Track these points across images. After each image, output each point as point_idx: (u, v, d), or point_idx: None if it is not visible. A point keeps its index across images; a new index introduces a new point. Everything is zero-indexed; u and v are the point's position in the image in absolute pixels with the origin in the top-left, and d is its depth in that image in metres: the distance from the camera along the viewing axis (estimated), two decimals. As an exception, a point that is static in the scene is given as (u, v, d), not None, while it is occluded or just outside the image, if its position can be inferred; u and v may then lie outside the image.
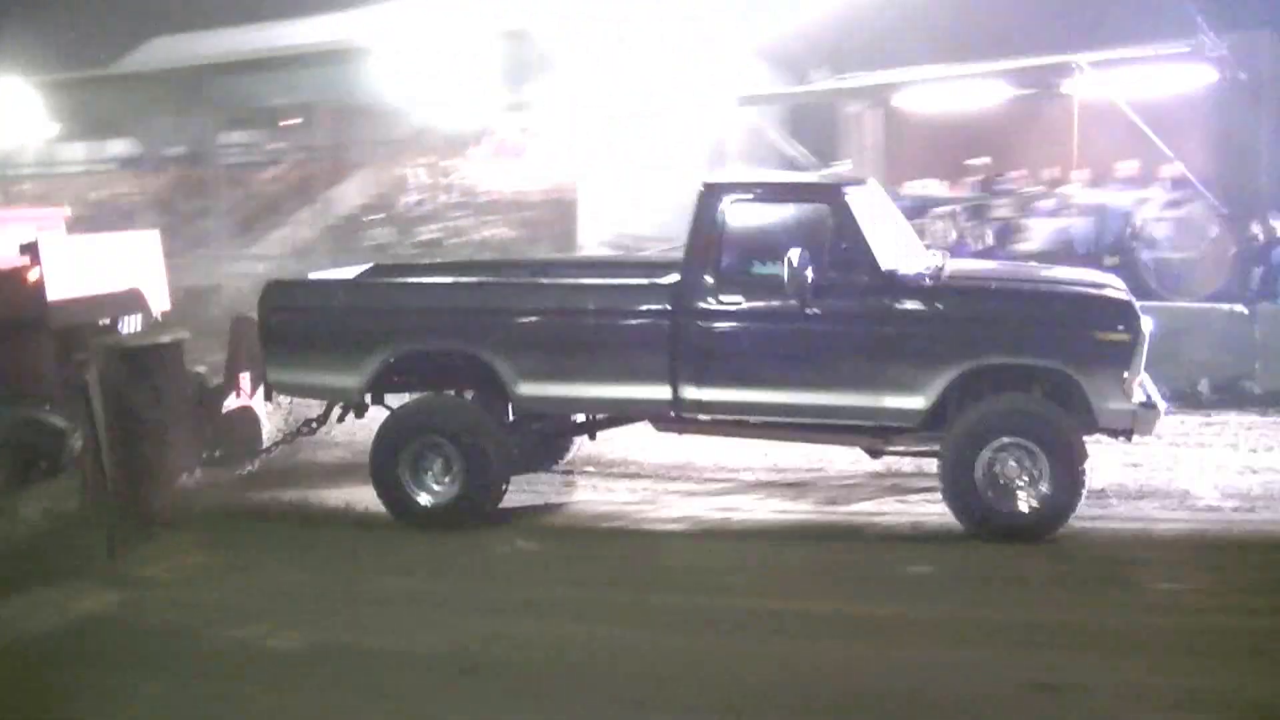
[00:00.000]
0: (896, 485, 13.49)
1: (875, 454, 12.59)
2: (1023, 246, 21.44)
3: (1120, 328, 11.44)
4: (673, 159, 27.78)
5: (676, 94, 28.37)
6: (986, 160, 25.50)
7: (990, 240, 22.37)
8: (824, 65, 29.96)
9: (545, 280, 13.30)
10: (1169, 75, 24.00)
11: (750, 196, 12.12)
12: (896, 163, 28.30)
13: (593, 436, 13.30)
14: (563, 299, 12.33)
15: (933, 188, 25.41)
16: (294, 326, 12.77)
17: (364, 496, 12.93)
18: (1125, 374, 11.35)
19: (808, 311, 11.59)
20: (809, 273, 11.43)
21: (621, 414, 12.72)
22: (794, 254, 11.40)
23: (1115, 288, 12.27)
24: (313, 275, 13.88)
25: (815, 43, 29.07)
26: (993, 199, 23.92)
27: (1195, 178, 22.70)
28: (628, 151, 27.87)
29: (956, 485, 11.54)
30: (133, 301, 15.15)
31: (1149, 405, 11.59)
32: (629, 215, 26.83)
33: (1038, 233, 21.72)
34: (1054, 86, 25.48)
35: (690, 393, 11.97)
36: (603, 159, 28.06)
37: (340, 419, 13.31)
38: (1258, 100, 23.40)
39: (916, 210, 24.90)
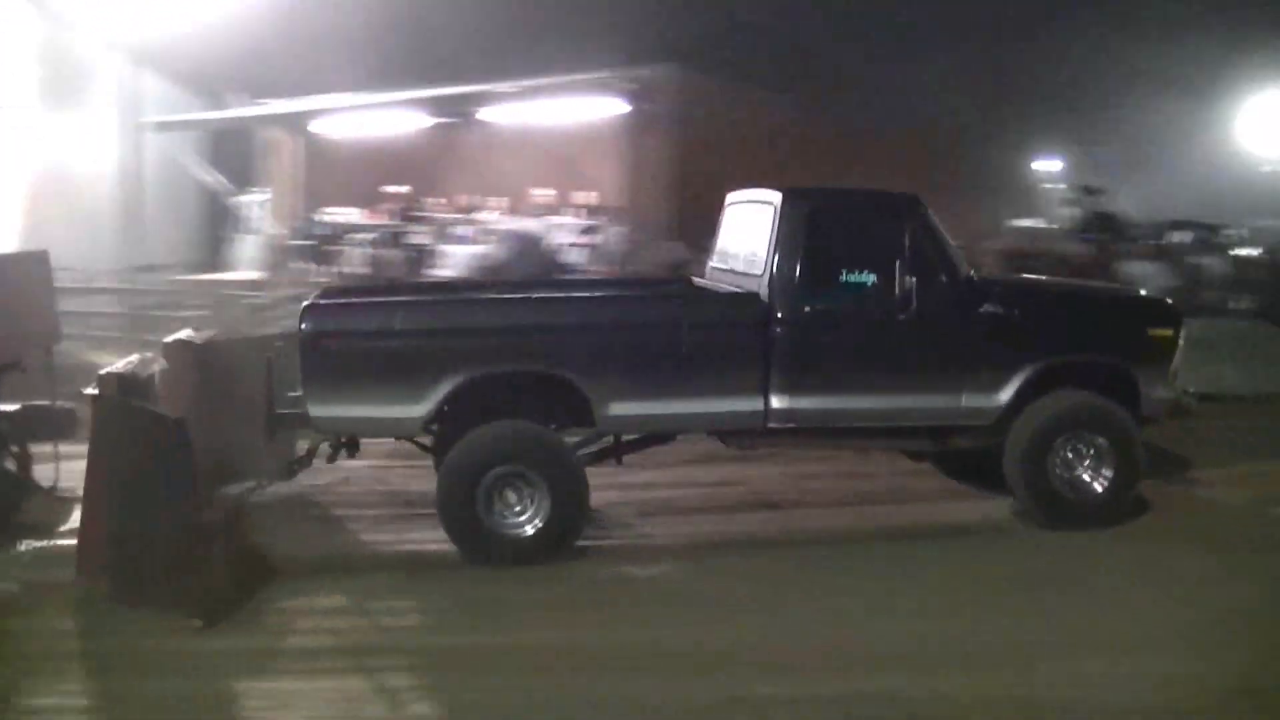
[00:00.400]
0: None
1: (919, 458, 12.94)
2: (441, 272, 21.40)
3: (1168, 326, 12.52)
4: (78, 185, 26.72)
5: (76, 117, 27.32)
6: (405, 188, 25.40)
7: (407, 266, 22.28)
8: (243, 91, 29.38)
9: (636, 293, 12.74)
10: (585, 106, 24.43)
11: (833, 206, 12.21)
12: (317, 189, 27.93)
13: (619, 461, 12.26)
14: (658, 312, 11.73)
15: (352, 214, 25.17)
16: (343, 353, 11.09)
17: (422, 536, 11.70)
18: (1170, 368, 12.43)
19: (900, 317, 11.83)
20: (911, 279, 11.80)
21: (710, 429, 12.02)
22: (899, 262, 11.78)
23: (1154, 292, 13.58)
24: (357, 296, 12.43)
25: (235, 68, 28.45)
26: (411, 225, 23.84)
27: (612, 205, 23.12)
28: (18, 175, 26.67)
29: (1033, 476, 12.15)
30: (38, 331, 12.83)
31: (1187, 394, 12.78)
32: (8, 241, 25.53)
33: (455, 259, 21.72)
34: (471, 115, 25.61)
35: (782, 403, 11.67)
36: None
37: (331, 459, 11.80)
38: (665, 131, 24.01)
39: (334, 236, 24.63)
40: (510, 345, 11.37)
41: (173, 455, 9.65)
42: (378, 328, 11.31)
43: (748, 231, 12.51)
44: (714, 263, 13.17)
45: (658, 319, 11.68)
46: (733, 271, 12.59)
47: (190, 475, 9.63)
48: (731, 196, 13.28)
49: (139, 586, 9.64)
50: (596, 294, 12.95)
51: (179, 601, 9.49)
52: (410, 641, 9.46)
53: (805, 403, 11.77)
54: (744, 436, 12.01)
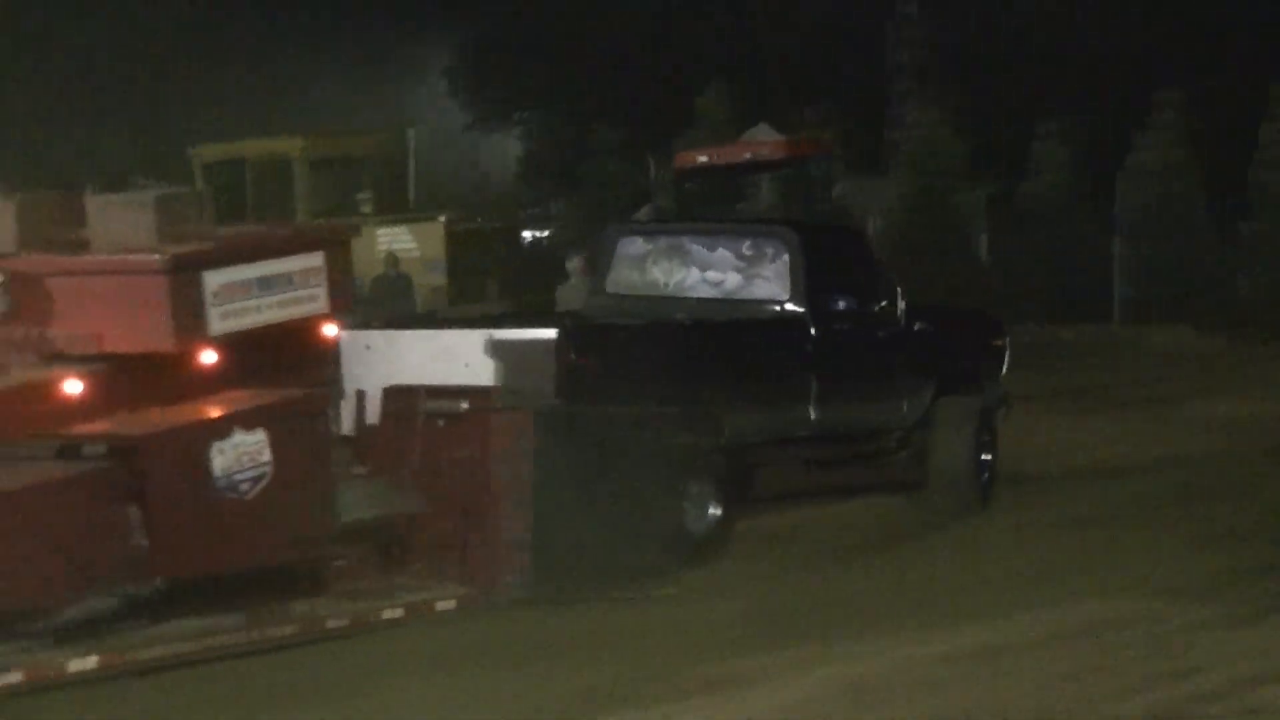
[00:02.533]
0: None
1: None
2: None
3: (1006, 337, 15.09)
4: None
5: None
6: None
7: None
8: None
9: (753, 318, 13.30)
10: None
11: (828, 236, 14.42)
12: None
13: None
14: (777, 334, 13.04)
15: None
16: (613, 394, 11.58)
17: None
18: (1003, 371, 14.92)
19: (880, 334, 13.56)
20: (892, 299, 13.57)
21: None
22: (899, 285, 13.66)
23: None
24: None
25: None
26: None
27: None
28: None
29: (975, 470, 13.98)
30: None
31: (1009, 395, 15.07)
32: None
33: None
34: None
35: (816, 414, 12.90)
36: None
37: None
38: None
39: None
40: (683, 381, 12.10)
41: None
42: (640, 358, 12.01)
43: (705, 263, 13.55)
44: (615, 290, 13.88)
45: (778, 340, 13.07)
46: (675, 298, 13.46)
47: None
48: (625, 229, 14.76)
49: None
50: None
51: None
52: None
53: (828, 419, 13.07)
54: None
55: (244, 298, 10.51)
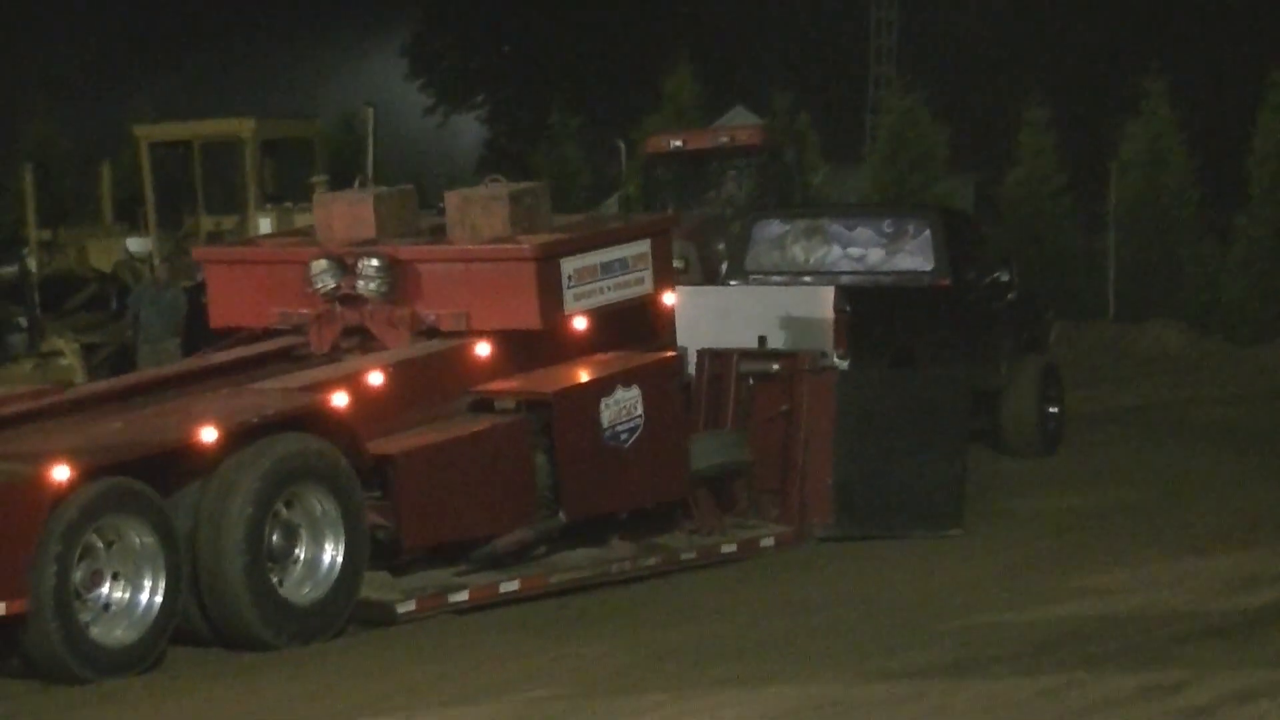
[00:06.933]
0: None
1: None
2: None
3: (1052, 311, 17.96)
4: None
5: None
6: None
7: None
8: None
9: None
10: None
11: (955, 217, 16.86)
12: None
13: None
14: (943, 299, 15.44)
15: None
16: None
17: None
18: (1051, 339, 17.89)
19: (991, 301, 15.97)
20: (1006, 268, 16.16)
21: None
22: (989, 255, 16.44)
23: None
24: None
25: None
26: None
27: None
28: None
29: (1048, 418, 16.12)
30: None
31: None
32: None
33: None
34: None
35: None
36: None
37: None
38: None
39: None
40: None
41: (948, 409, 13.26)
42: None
43: (846, 241, 15.53)
44: (754, 268, 15.84)
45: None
46: (817, 273, 15.32)
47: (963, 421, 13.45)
48: (761, 214, 16.69)
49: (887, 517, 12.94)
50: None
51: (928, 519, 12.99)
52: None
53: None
54: None
55: (591, 280, 12.27)
